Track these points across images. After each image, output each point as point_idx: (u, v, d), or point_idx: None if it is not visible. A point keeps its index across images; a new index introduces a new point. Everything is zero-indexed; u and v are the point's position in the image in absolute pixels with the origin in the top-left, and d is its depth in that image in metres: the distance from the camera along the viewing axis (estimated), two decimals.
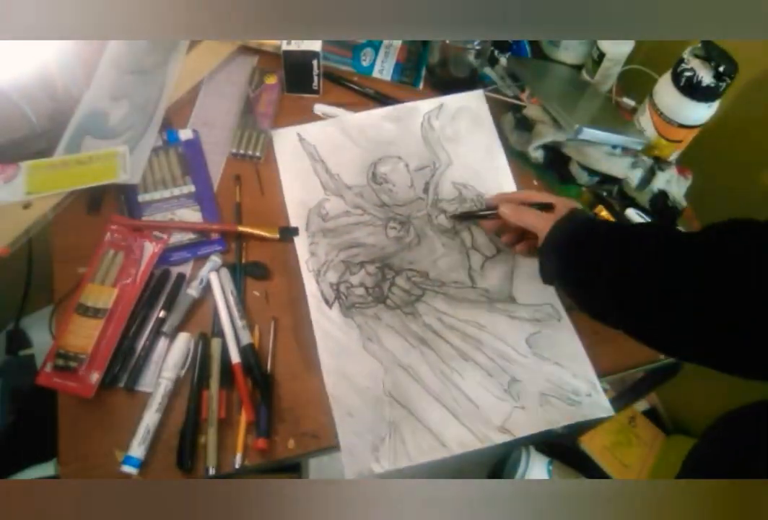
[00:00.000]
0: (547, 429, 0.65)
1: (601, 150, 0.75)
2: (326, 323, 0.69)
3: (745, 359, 0.48)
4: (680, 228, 0.76)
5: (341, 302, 0.70)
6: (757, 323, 0.45)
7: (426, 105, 0.83)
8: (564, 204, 0.66)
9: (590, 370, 0.68)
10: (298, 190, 0.77)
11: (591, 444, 1.25)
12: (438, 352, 0.68)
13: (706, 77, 0.69)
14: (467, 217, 0.75)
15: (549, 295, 0.72)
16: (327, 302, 0.70)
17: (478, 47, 0.80)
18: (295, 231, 0.73)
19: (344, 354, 0.67)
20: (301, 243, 0.73)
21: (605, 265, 0.56)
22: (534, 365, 0.68)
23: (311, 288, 0.70)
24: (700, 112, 0.73)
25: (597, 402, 0.66)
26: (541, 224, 0.64)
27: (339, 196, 0.77)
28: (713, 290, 0.47)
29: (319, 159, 0.79)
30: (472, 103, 0.83)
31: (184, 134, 0.79)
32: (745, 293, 0.46)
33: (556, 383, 0.67)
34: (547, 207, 0.66)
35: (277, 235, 0.73)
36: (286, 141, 0.80)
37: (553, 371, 0.67)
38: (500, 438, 0.64)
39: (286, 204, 0.76)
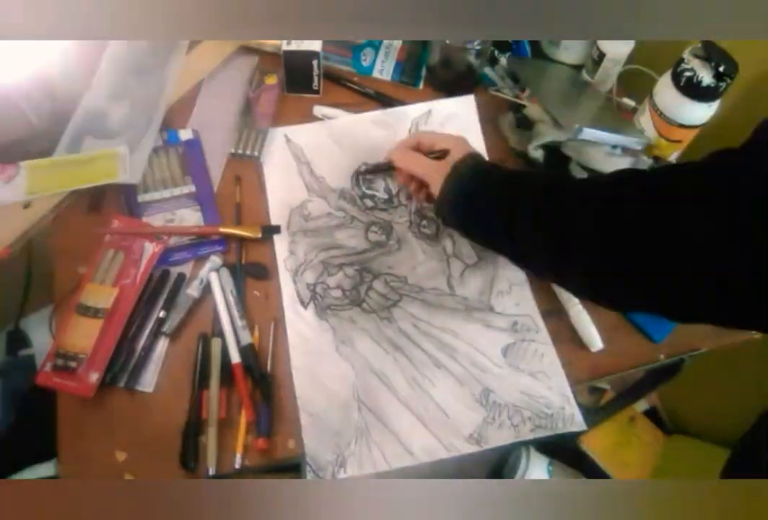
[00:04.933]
0: (517, 441, 0.64)
1: (601, 150, 0.75)
2: (300, 323, 0.68)
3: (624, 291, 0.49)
4: None
5: (317, 302, 0.70)
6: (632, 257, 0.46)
7: (415, 110, 0.82)
8: (459, 149, 0.62)
9: (565, 384, 0.67)
10: (282, 191, 0.76)
11: (591, 444, 1.25)
12: (411, 358, 0.67)
13: (706, 77, 0.68)
14: (375, 171, 0.75)
15: (528, 306, 0.71)
16: (302, 302, 0.69)
17: (478, 47, 0.80)
18: (277, 229, 0.73)
19: (316, 356, 0.67)
20: (280, 241, 0.73)
21: (496, 219, 0.55)
22: (508, 375, 0.67)
23: (287, 287, 0.70)
24: (700, 112, 0.73)
25: (570, 416, 0.65)
26: (430, 173, 0.60)
27: (322, 198, 0.76)
28: (610, 239, 0.47)
29: (305, 161, 0.78)
30: (462, 109, 0.82)
31: (184, 134, 0.79)
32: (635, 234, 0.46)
33: (530, 395, 0.66)
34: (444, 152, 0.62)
35: (260, 235, 0.72)
36: (273, 142, 0.79)
37: (527, 383, 0.67)
38: (468, 448, 0.63)
39: (268, 203, 0.75)
